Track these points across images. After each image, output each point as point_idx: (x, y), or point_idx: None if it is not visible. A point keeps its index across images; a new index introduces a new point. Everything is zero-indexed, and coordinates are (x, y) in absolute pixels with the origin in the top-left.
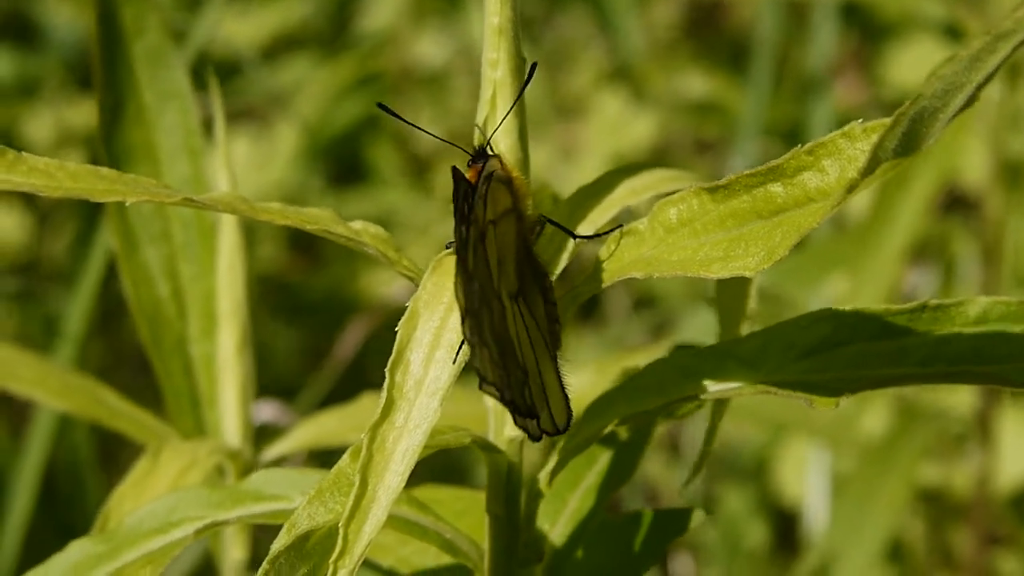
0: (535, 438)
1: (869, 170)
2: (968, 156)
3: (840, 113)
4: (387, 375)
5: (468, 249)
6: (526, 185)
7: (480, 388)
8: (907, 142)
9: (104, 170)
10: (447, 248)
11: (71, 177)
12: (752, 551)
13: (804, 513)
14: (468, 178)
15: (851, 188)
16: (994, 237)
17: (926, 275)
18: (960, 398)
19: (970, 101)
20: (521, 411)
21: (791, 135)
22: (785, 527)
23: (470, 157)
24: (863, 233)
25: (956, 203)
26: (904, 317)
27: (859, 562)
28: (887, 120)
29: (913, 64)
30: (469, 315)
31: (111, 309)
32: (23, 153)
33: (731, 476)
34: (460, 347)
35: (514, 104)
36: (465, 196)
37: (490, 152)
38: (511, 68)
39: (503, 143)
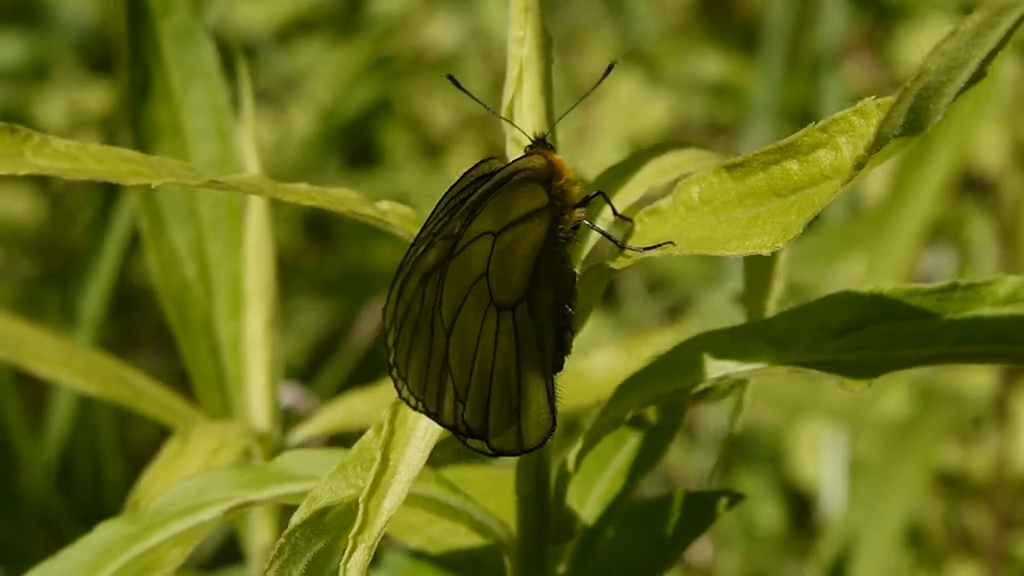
0: (489, 455)
1: (876, 146)
2: (984, 137)
3: (852, 94)
4: None
5: (444, 252)
6: (571, 182)
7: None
8: (914, 118)
9: (129, 152)
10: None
11: (96, 160)
12: (769, 534)
13: (821, 496)
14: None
15: (860, 165)
16: (1010, 218)
17: (942, 256)
18: (978, 380)
19: (976, 77)
20: (461, 433)
21: (804, 116)
22: (802, 510)
23: (528, 144)
24: (880, 215)
25: (972, 184)
26: (934, 297)
27: (877, 545)
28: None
29: (926, 44)
30: (393, 328)
31: (127, 294)
32: (49, 136)
33: (748, 459)
34: None
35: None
36: (475, 186)
37: (547, 143)
38: (537, 45)
39: (529, 120)
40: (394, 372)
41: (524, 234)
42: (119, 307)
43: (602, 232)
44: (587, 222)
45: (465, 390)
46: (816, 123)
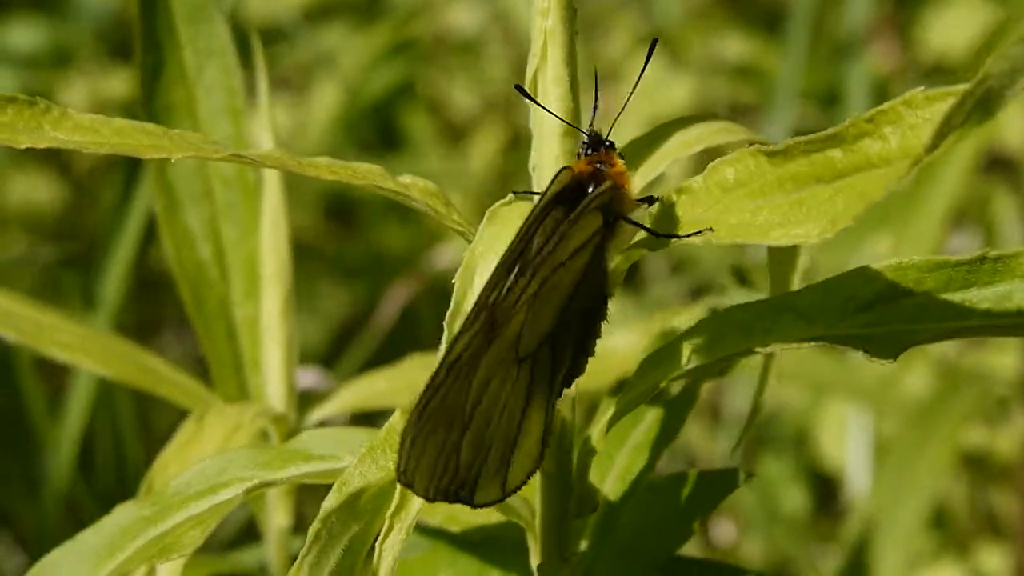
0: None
1: (934, 146)
2: (1008, 117)
3: (876, 76)
4: (445, 328)
5: (519, 293)
6: (630, 194)
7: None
8: (972, 120)
9: (149, 126)
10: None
11: (116, 133)
12: (793, 516)
13: (846, 478)
14: (578, 175)
15: (916, 162)
16: None
17: (968, 237)
18: (1003, 360)
19: None
20: (449, 498)
21: (827, 98)
22: (826, 492)
23: (583, 144)
24: (906, 196)
25: (996, 164)
26: (963, 269)
27: (902, 527)
28: (949, 89)
29: (950, 27)
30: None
31: (149, 280)
32: (68, 110)
33: (771, 441)
34: None
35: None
36: (557, 203)
37: (607, 143)
38: (561, 17)
39: (553, 93)
40: (403, 478)
41: (568, 271)
42: (141, 293)
43: (643, 227)
44: (628, 221)
45: (469, 465)
46: (862, 113)
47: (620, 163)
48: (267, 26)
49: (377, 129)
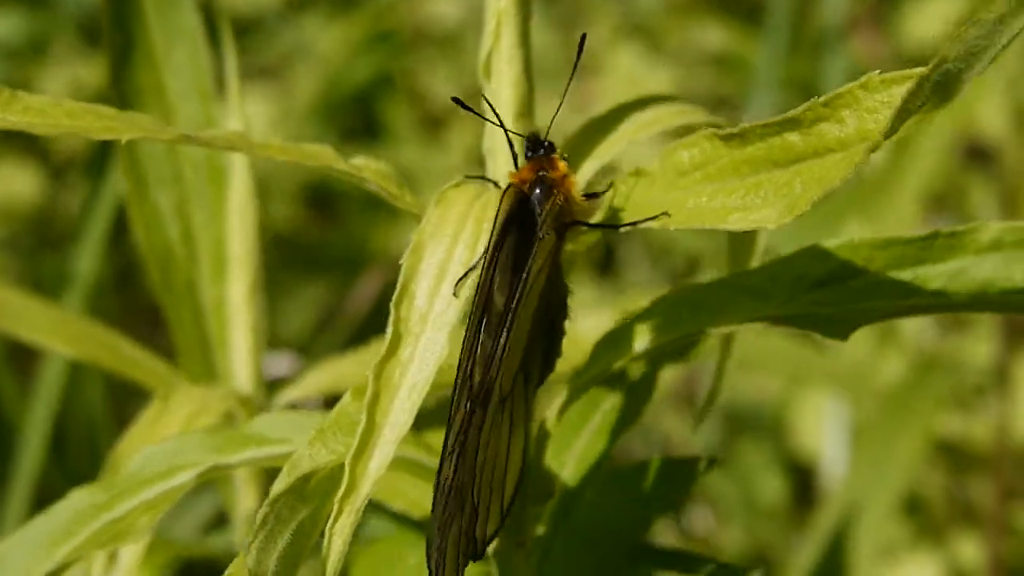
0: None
1: (893, 130)
2: (986, 106)
3: (857, 67)
4: (392, 309)
5: (500, 353)
6: (576, 197)
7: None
8: (930, 103)
9: (102, 108)
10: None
11: (67, 115)
12: (770, 505)
13: (822, 466)
14: (522, 189)
15: (874, 147)
16: (1013, 186)
17: (946, 226)
18: (979, 347)
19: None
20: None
21: (808, 89)
22: (804, 482)
23: (526, 147)
24: (879, 183)
25: (975, 153)
26: (915, 246)
27: (877, 514)
28: (906, 72)
29: (931, 18)
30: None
31: (127, 271)
32: (19, 92)
33: (749, 431)
34: (459, 281)
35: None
36: (509, 227)
37: (546, 144)
38: None
39: (506, 74)
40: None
41: (530, 301)
42: (118, 283)
43: (595, 226)
44: (580, 223)
45: (483, 522)
46: (818, 97)
47: (562, 165)
48: (249, 16)
49: (358, 119)
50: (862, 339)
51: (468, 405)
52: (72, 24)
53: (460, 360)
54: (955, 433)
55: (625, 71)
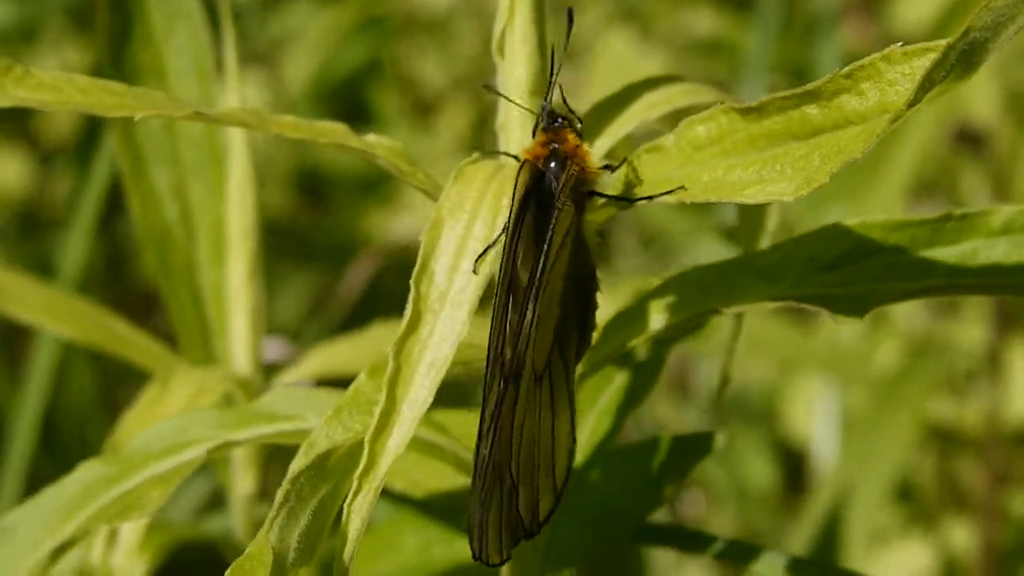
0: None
1: (916, 100)
2: (977, 90)
3: (848, 52)
4: (412, 286)
5: (528, 329)
6: (595, 168)
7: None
8: (953, 74)
9: (114, 84)
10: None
11: (80, 91)
12: (762, 490)
13: (813, 451)
14: (536, 164)
15: (896, 118)
16: (1004, 171)
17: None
18: (971, 332)
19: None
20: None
21: (799, 74)
22: (795, 467)
23: (541, 121)
24: (868, 166)
25: (966, 138)
26: (927, 228)
27: (869, 500)
28: (928, 44)
29: (921, 3)
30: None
31: (113, 258)
32: (31, 68)
33: (741, 416)
34: (478, 258)
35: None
36: (527, 203)
37: (561, 118)
38: None
39: (520, 52)
40: (480, 557)
41: (556, 274)
42: (108, 273)
43: (613, 197)
44: (598, 194)
45: (528, 504)
46: (841, 69)
47: (573, 138)
48: (240, 1)
49: (348, 105)
50: (854, 325)
51: (501, 383)
52: (60, 9)
53: (490, 339)
54: (947, 418)
55: (617, 56)
